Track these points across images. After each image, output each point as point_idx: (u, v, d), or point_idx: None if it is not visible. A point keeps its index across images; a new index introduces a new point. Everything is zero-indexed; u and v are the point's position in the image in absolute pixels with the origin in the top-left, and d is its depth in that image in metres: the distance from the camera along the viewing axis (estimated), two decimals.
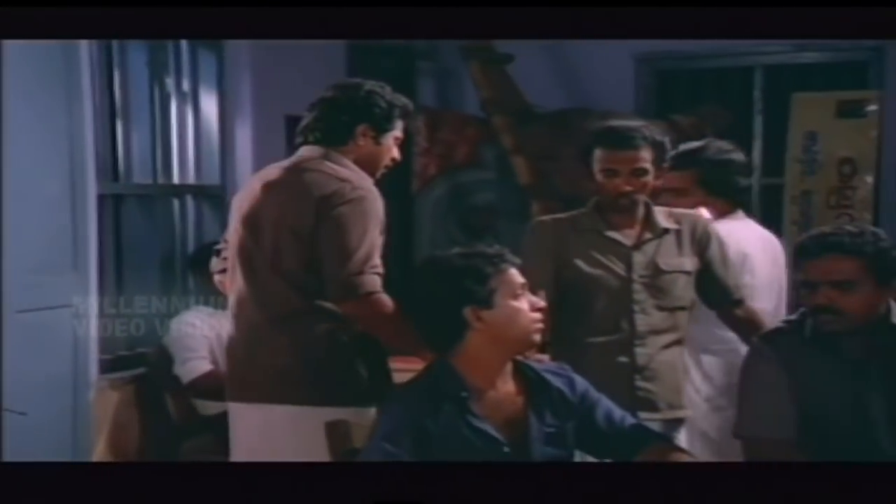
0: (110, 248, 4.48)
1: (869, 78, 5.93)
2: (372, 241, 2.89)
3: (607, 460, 2.70)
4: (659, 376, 3.11)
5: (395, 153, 3.14)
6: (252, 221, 3.01)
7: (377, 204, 2.94)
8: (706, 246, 3.19)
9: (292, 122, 5.26)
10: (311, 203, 2.90)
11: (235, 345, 3.06)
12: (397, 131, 3.12)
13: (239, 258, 3.04)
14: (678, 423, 3.17)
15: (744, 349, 3.05)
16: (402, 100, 3.14)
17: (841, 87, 5.90)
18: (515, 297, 2.52)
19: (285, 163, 3.09)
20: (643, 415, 3.02)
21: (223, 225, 5.00)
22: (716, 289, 3.23)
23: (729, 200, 3.63)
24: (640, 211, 3.17)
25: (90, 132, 4.05)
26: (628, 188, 3.08)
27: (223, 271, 3.16)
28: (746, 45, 5.65)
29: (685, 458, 2.61)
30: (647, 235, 3.14)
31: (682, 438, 3.16)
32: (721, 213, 3.56)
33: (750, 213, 3.92)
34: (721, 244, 3.24)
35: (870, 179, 5.75)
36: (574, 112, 6.14)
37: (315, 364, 2.91)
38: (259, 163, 5.07)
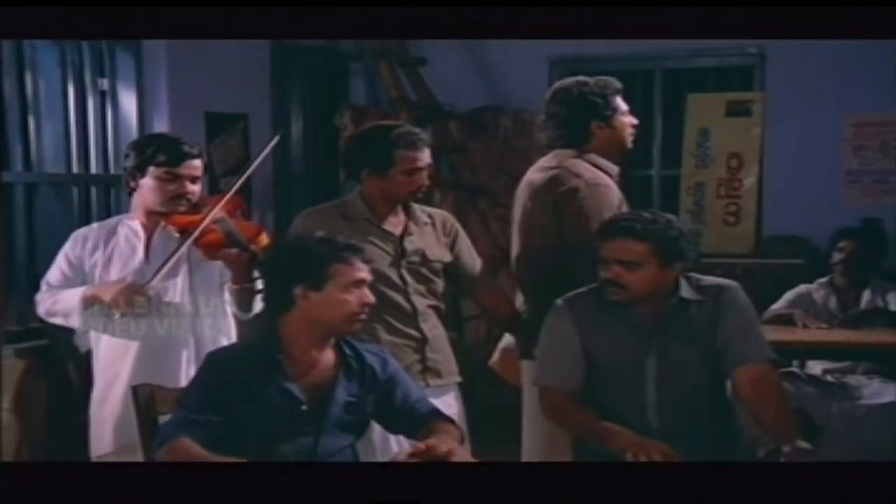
0: (21, 231, 4.84)
1: (754, 80, 6.35)
2: None
3: (398, 435, 3.06)
4: (440, 348, 3.45)
5: (632, 122, 3.61)
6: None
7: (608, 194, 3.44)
8: (455, 239, 3.50)
9: (212, 118, 5.72)
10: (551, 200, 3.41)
11: None
12: (621, 109, 3.57)
13: None
14: (453, 386, 3.51)
15: None
16: (606, 86, 3.57)
17: (730, 88, 6.37)
18: (346, 289, 2.77)
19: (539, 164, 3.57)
20: (433, 381, 3.39)
21: None
22: (467, 277, 3.54)
23: None
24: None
25: None
26: (427, 184, 3.40)
27: None
28: (649, 50, 6.07)
29: (456, 434, 2.86)
30: (412, 227, 3.42)
31: (454, 396, 3.49)
32: None
33: None
34: (466, 237, 3.54)
35: (755, 172, 6.21)
36: (488, 110, 6.56)
37: None
38: None
